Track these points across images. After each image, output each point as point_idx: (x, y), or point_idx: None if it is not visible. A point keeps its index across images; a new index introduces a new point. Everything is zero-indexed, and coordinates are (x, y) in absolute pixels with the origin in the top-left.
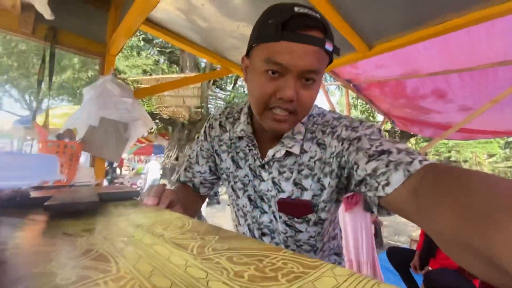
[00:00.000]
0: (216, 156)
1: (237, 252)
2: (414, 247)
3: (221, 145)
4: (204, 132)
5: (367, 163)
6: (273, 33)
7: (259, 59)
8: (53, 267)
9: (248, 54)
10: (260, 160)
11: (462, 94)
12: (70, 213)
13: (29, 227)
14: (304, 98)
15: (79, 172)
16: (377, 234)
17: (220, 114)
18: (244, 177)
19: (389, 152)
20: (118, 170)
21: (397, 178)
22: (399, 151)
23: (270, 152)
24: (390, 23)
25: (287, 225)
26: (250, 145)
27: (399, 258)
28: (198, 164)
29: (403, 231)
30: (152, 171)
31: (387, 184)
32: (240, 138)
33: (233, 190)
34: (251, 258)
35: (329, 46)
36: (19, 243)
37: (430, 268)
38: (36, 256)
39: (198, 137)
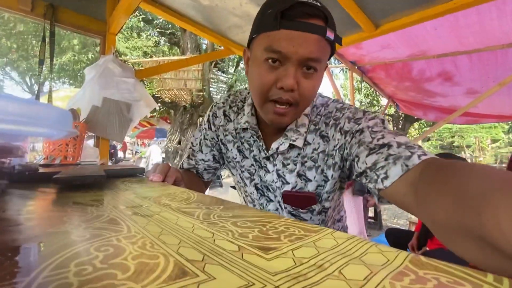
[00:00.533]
0: (221, 145)
1: (241, 218)
2: (412, 229)
3: (226, 135)
4: (208, 120)
5: (367, 156)
6: (272, 22)
7: (259, 49)
8: (67, 228)
9: (249, 46)
10: (265, 152)
11: (470, 76)
12: (78, 186)
13: (40, 198)
14: (305, 88)
15: (84, 152)
16: (377, 217)
17: (223, 103)
18: (250, 166)
19: (389, 146)
20: (120, 154)
21: (395, 172)
22: (399, 145)
23: (274, 145)
24: (398, 1)
25: (292, 214)
26: (254, 136)
27: (397, 238)
28: (202, 152)
29: (402, 214)
30: (154, 154)
31: (386, 177)
32: (245, 129)
33: (241, 178)
34: (255, 223)
35: (330, 35)
36: (32, 209)
37: (427, 248)
38: (49, 219)
39: (200, 125)
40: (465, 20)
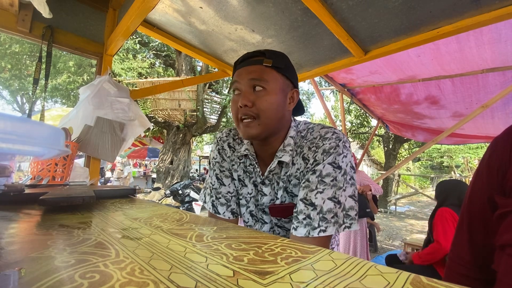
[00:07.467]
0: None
1: (236, 240)
2: (408, 250)
3: (233, 165)
4: (219, 154)
5: (300, 199)
6: (233, 71)
7: (232, 90)
8: (50, 252)
9: None
10: (261, 176)
11: (454, 99)
12: (66, 207)
13: (24, 220)
14: (259, 103)
15: (73, 172)
16: (372, 239)
17: (226, 136)
18: (247, 194)
19: (314, 208)
20: (108, 174)
21: (301, 231)
22: (320, 211)
23: (268, 168)
24: (385, 29)
25: (278, 226)
26: (253, 162)
27: (397, 263)
28: (224, 185)
29: (397, 236)
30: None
31: (295, 229)
32: (245, 156)
33: (237, 206)
34: (250, 245)
35: (267, 63)
36: (14, 233)
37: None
38: (32, 243)
39: (209, 163)
40: (445, 48)
